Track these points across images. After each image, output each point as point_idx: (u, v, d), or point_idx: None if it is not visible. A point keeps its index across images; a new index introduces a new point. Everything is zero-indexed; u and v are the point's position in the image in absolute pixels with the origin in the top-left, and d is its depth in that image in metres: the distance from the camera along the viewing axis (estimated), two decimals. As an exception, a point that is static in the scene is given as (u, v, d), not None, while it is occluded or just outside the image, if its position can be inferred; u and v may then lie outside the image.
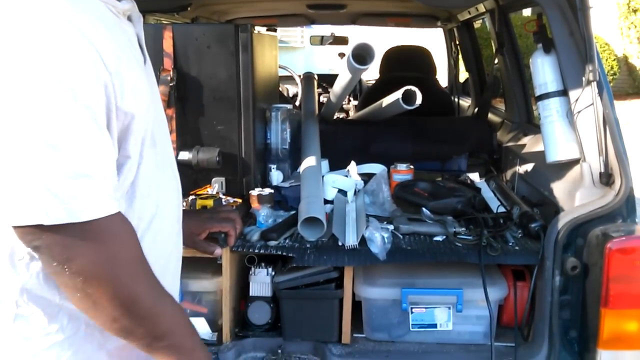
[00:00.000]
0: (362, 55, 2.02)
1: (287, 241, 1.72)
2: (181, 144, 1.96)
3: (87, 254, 0.86)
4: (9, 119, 0.81)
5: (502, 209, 1.90)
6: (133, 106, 0.93)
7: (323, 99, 3.83)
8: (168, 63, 1.94)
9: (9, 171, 0.82)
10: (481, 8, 2.75)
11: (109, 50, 0.89)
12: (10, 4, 0.85)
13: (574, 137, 1.75)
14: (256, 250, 1.68)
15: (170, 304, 0.98)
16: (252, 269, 1.75)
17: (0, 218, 0.86)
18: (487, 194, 2.09)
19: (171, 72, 1.92)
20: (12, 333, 0.94)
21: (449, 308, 1.69)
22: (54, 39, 0.83)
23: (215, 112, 1.97)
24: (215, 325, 1.78)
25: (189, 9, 2.49)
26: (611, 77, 11.85)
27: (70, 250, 0.85)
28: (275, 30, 3.40)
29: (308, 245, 1.70)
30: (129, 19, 1.06)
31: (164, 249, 1.09)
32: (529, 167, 2.10)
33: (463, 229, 1.76)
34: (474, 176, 2.26)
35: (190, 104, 1.97)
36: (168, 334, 0.97)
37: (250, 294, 1.76)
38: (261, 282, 1.75)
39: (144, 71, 1.04)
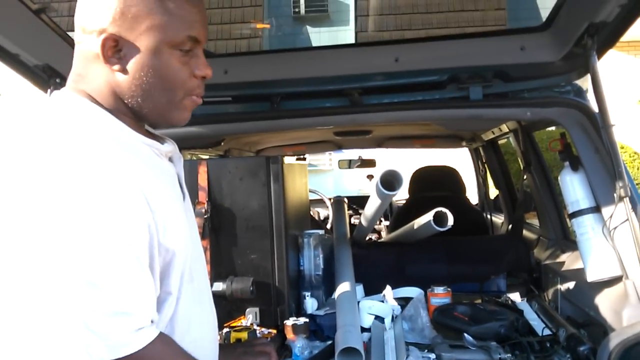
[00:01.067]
0: (390, 180, 2.06)
1: (324, 374, 1.66)
2: (215, 275, 1.96)
3: None
4: (50, 256, 0.83)
5: (547, 332, 1.82)
6: (174, 242, 0.96)
7: (354, 220, 3.85)
8: (203, 196, 2.00)
9: (49, 310, 0.83)
10: (504, 128, 2.81)
11: (151, 190, 0.93)
12: (70, 142, 0.90)
13: (612, 253, 1.71)
14: (293, 386, 1.62)
15: None
16: (289, 407, 1.67)
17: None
18: (530, 315, 2.01)
19: (205, 205, 1.98)
20: None
21: None
22: (101, 177, 0.87)
23: (249, 242, 1.99)
24: None
25: (222, 143, 2.61)
26: (644, 186, 11.71)
27: None
28: (304, 159, 3.51)
29: (346, 379, 1.62)
30: (170, 159, 1.12)
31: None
32: (570, 285, 2.03)
33: (509, 355, 1.67)
34: (515, 297, 2.18)
35: (223, 235, 2.00)
36: None
37: None
38: (299, 421, 1.66)
39: (183, 208, 1.08)
